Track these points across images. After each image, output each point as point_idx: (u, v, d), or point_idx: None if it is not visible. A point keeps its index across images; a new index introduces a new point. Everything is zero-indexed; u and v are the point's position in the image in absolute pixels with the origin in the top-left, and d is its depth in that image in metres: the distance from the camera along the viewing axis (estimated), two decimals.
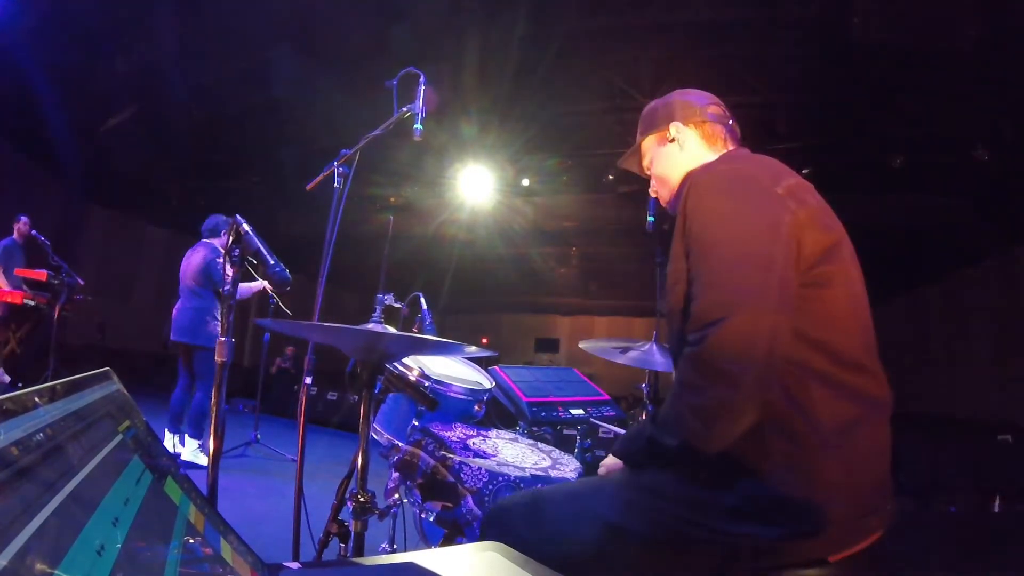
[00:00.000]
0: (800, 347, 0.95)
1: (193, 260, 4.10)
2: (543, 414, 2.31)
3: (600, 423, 2.39)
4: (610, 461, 1.20)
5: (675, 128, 1.24)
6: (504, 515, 1.17)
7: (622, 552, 1.02)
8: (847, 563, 0.94)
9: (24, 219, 5.39)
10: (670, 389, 1.03)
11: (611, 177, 7.58)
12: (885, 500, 1.00)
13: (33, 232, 5.36)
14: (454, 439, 1.66)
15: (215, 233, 4.17)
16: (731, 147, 1.25)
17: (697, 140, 1.24)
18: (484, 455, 1.61)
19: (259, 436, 4.86)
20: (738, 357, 0.90)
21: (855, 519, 0.95)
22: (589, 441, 2.51)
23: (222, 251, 4.00)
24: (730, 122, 1.27)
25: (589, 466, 1.99)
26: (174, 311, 4.13)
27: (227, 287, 1.36)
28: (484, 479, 1.46)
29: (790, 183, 1.04)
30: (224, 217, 4.24)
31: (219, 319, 4.00)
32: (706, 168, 1.11)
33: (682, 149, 1.24)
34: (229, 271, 1.36)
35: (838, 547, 0.94)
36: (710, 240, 0.99)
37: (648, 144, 1.31)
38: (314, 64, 5.81)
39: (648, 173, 1.34)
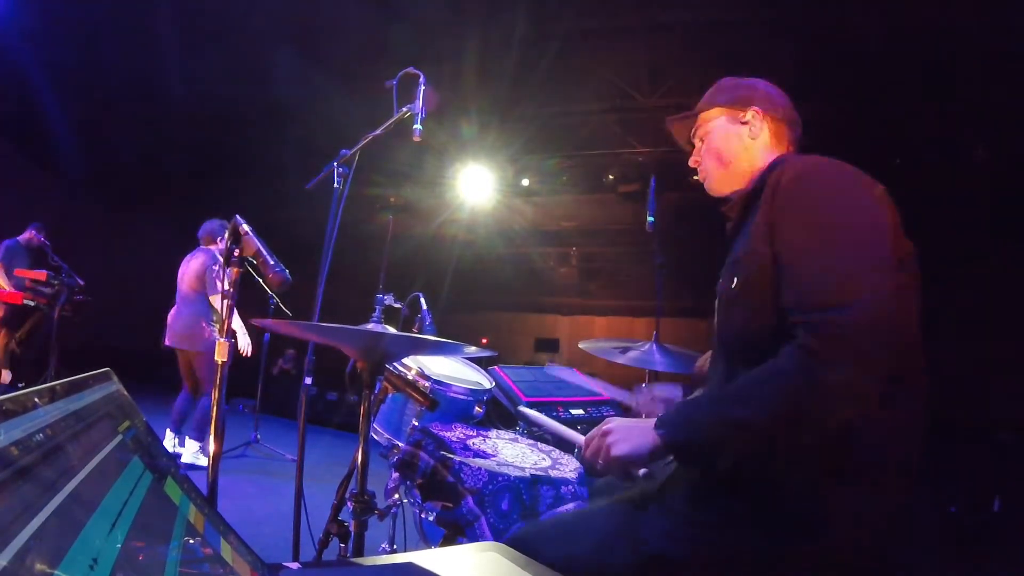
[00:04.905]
0: None
1: (191, 266, 4.09)
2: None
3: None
4: (621, 437, 1.03)
5: (752, 114, 1.21)
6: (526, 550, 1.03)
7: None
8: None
9: (43, 231, 5.42)
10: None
11: (611, 177, 7.57)
12: None
13: (40, 238, 5.39)
14: (454, 439, 1.66)
15: (211, 239, 4.17)
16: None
17: (768, 134, 1.21)
18: (484, 455, 1.61)
19: (259, 436, 4.86)
20: (877, 341, 0.87)
21: (897, 531, 0.96)
22: None
23: (219, 257, 4.02)
24: (799, 130, 1.25)
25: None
26: (170, 316, 4.12)
27: (227, 289, 1.36)
28: (484, 479, 1.46)
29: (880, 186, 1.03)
30: (220, 221, 4.25)
31: (213, 324, 4.01)
32: (806, 157, 1.08)
33: (752, 137, 1.21)
34: (230, 272, 1.36)
35: (883, 549, 0.95)
36: (831, 222, 0.96)
37: (713, 116, 1.26)
38: (314, 64, 5.81)
39: (694, 142, 1.29)
